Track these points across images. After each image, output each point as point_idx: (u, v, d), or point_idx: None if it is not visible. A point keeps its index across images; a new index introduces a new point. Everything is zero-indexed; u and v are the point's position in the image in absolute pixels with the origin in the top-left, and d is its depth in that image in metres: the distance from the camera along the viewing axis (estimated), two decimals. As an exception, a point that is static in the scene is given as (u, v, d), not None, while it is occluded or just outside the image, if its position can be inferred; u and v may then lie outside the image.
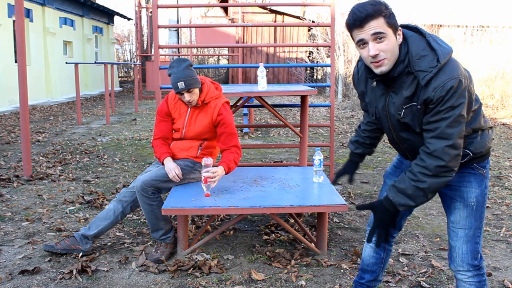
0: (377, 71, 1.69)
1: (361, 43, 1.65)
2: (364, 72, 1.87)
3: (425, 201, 1.74)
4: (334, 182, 2.31)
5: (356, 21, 1.62)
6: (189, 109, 3.02)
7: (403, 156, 2.01)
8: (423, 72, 1.63)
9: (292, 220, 3.50)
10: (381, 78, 1.73)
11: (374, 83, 1.79)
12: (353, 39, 1.68)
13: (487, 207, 3.94)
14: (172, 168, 2.90)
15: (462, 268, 1.85)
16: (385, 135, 2.09)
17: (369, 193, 4.40)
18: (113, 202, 3.01)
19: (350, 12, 1.64)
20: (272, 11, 16.78)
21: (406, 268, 2.78)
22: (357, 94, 2.10)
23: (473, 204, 1.82)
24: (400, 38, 1.66)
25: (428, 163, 1.66)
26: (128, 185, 3.25)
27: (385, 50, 1.63)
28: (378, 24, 1.60)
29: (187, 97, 2.90)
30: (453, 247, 1.86)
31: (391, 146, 2.12)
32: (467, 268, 1.84)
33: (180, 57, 3.01)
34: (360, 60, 1.89)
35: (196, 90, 2.93)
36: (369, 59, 1.66)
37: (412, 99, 1.69)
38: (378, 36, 1.61)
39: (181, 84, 2.83)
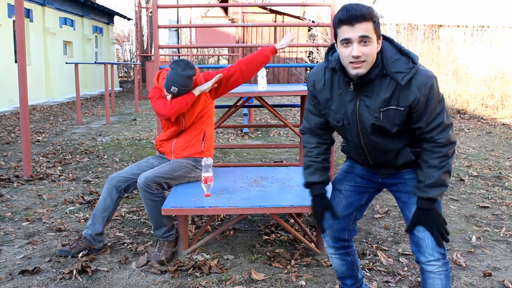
0: (353, 72, 1.73)
1: (345, 42, 1.70)
2: (331, 78, 1.88)
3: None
4: (323, 230, 2.08)
5: (349, 17, 1.66)
6: None
7: (360, 162, 2.03)
8: (401, 73, 1.74)
9: (292, 220, 3.50)
10: (358, 82, 1.77)
11: (352, 87, 1.81)
12: (335, 35, 1.73)
13: (487, 207, 3.95)
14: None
15: (433, 257, 1.88)
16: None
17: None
18: (106, 190, 2.97)
19: (344, 8, 1.70)
20: (272, 11, 16.78)
21: (406, 268, 2.78)
22: (310, 105, 2.00)
23: None
24: (379, 47, 1.75)
25: (445, 150, 1.80)
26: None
27: (367, 54, 1.69)
28: (367, 28, 1.67)
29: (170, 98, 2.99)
30: (421, 239, 1.90)
31: (343, 153, 2.10)
32: (437, 257, 1.88)
33: (188, 61, 2.99)
34: (326, 65, 1.89)
35: None
36: (349, 59, 1.71)
37: (390, 101, 1.77)
38: (364, 40, 1.68)
39: (174, 89, 2.89)
